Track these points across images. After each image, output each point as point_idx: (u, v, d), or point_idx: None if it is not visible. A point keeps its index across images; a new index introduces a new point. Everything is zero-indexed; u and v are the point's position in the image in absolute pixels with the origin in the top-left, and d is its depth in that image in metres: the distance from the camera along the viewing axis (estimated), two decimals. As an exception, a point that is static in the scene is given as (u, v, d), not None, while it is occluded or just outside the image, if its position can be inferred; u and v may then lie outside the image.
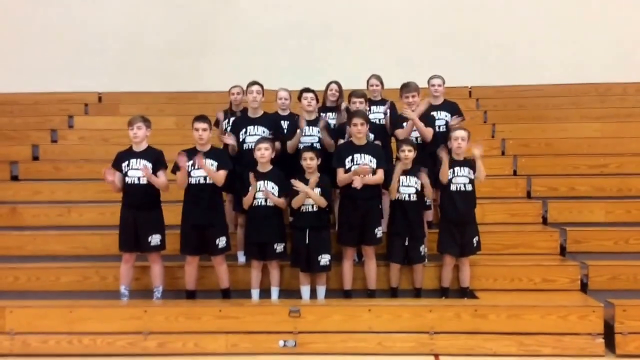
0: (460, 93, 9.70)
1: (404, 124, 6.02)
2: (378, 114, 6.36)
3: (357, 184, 5.42)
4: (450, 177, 5.66)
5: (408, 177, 5.67)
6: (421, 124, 5.96)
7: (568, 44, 10.33)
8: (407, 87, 6.03)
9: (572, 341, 5.17)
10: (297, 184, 5.47)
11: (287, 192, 5.59)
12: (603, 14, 10.45)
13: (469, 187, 5.69)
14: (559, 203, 6.97)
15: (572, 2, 10.56)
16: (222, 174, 5.57)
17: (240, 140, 6.04)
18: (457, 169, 5.68)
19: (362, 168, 5.45)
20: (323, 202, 5.56)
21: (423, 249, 5.74)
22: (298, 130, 5.88)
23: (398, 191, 5.63)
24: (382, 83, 6.59)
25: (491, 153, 8.09)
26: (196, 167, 5.54)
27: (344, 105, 6.35)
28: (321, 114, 6.26)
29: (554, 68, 10.13)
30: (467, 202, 5.70)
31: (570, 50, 10.28)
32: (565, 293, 5.80)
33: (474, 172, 5.70)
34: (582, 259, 6.12)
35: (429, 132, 6.00)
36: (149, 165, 5.59)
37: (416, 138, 5.99)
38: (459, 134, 5.70)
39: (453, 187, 5.67)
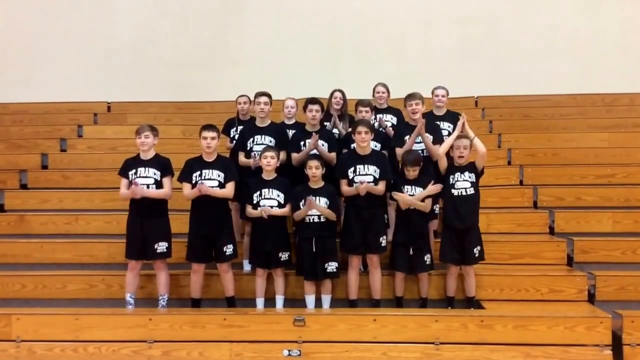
0: (466, 103, 9.72)
1: (406, 138, 5.96)
2: (385, 122, 6.40)
3: (362, 191, 5.44)
4: (452, 181, 5.64)
5: (413, 187, 5.66)
6: (429, 144, 5.91)
7: (574, 54, 10.33)
8: (411, 96, 6.01)
9: (579, 353, 5.11)
10: (314, 205, 5.45)
11: (292, 200, 5.60)
12: (610, 24, 10.44)
13: (471, 191, 5.64)
14: (565, 213, 6.94)
15: (579, 12, 10.56)
16: (230, 187, 5.58)
17: (248, 148, 6.07)
18: (457, 174, 5.65)
19: (362, 187, 5.44)
20: (333, 217, 5.58)
21: (428, 257, 5.72)
22: (306, 143, 5.85)
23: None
24: (388, 91, 6.64)
25: (497, 163, 8.09)
26: (204, 177, 5.57)
27: (336, 124, 6.36)
28: (325, 123, 6.27)
29: (560, 78, 10.10)
30: (469, 206, 5.64)
31: (577, 60, 10.28)
32: (572, 304, 5.76)
33: (476, 175, 5.65)
34: (590, 270, 6.09)
35: (436, 149, 5.91)
36: (155, 174, 5.62)
37: (422, 150, 5.95)
38: (461, 142, 5.65)
39: (455, 192, 5.65)
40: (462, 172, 5.66)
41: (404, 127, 6.20)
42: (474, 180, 5.67)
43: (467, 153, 5.64)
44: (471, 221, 5.67)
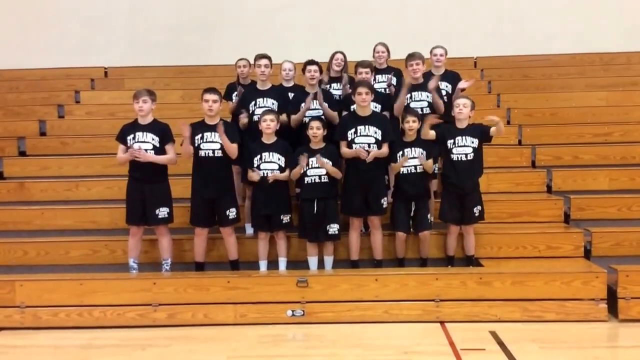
0: (465, 63, 9.69)
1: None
2: (384, 84, 6.40)
3: (369, 158, 5.47)
4: (450, 146, 5.64)
5: (413, 148, 5.68)
6: (437, 98, 5.93)
7: (572, 13, 10.24)
8: (412, 56, 6.03)
9: (575, 307, 5.25)
10: (302, 160, 5.49)
11: (293, 163, 5.61)
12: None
13: (471, 157, 5.62)
14: (563, 172, 7.00)
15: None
16: (235, 145, 5.59)
17: (250, 112, 6.07)
18: (458, 138, 5.62)
19: (359, 152, 5.47)
20: (339, 174, 5.61)
21: (429, 217, 5.78)
22: (303, 105, 5.87)
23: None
24: (388, 51, 6.63)
25: (496, 123, 8.09)
26: (205, 139, 5.57)
27: (345, 77, 6.34)
28: (321, 86, 6.26)
29: (558, 38, 10.08)
30: (469, 172, 5.64)
31: (575, 19, 10.20)
32: (569, 260, 5.86)
33: (479, 140, 5.63)
34: (586, 226, 6.18)
35: (440, 104, 5.94)
36: (154, 139, 5.60)
37: (422, 108, 5.98)
38: (460, 101, 5.63)
39: (454, 157, 5.64)
40: (464, 137, 5.62)
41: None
42: (477, 146, 5.63)
43: (467, 111, 5.61)
44: (470, 187, 5.67)
